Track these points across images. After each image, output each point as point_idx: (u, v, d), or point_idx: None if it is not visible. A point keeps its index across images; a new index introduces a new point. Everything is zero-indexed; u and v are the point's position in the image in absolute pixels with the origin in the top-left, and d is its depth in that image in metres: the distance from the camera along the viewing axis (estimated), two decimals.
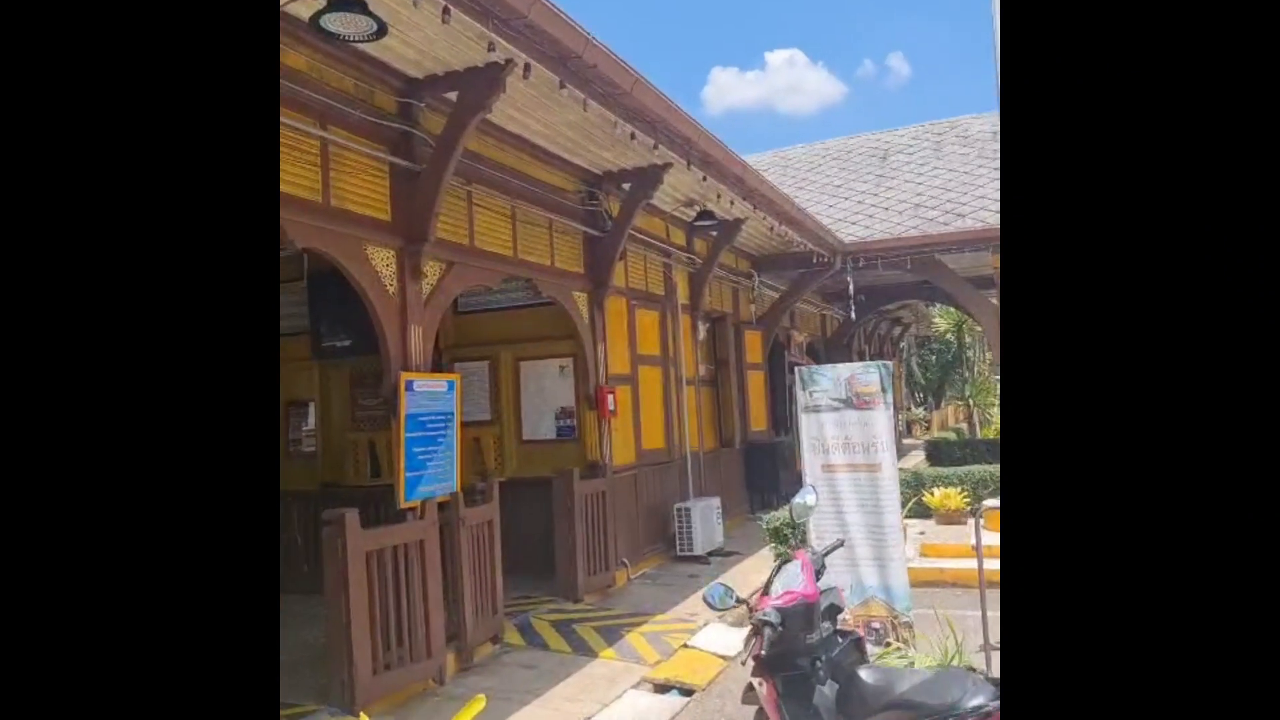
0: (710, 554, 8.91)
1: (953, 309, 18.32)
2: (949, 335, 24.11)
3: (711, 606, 3.16)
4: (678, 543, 8.85)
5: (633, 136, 5.83)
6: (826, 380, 4.93)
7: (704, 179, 7.07)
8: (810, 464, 4.95)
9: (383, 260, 5.33)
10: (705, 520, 8.95)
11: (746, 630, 3.15)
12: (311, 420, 9.25)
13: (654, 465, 8.97)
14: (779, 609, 3.01)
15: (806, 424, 4.99)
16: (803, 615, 3.06)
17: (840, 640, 3.19)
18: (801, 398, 5.03)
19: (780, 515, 7.02)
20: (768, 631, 2.95)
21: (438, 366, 8.30)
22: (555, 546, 7.23)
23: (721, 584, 3.20)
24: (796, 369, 5.16)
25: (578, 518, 7.18)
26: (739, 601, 3.19)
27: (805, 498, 3.61)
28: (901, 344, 24.27)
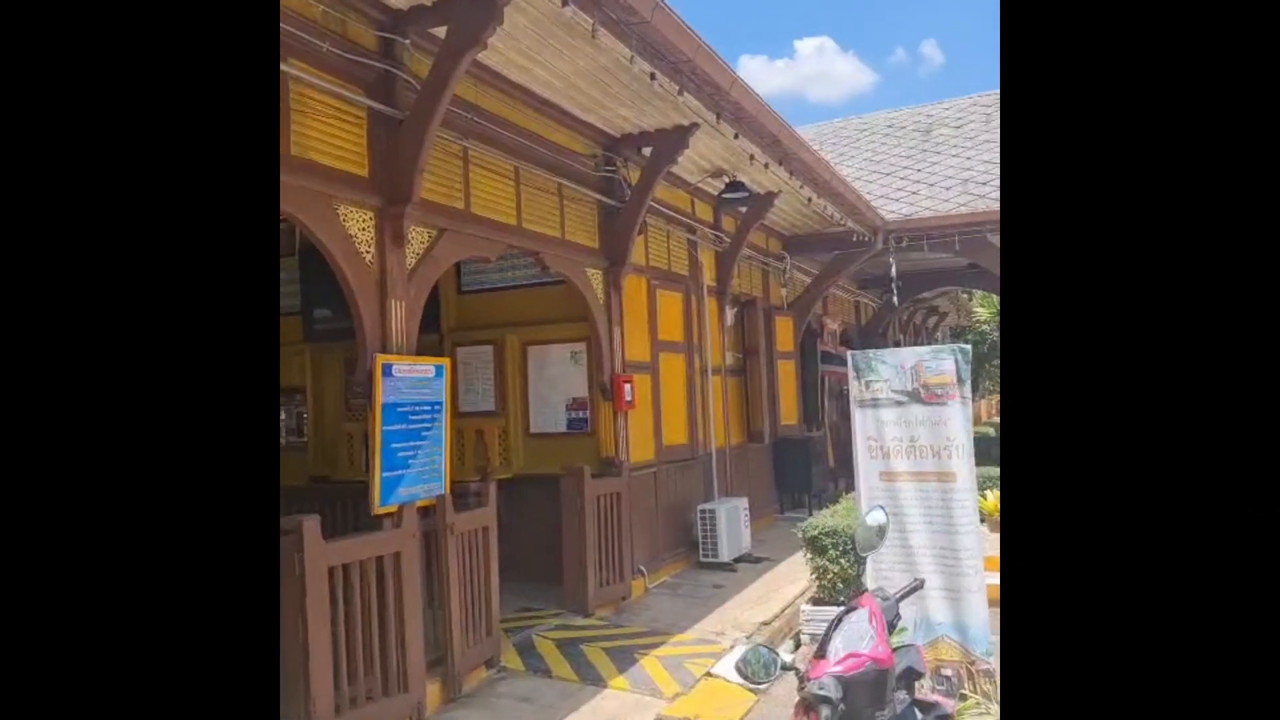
0: (737, 560, 8.08)
1: (995, 296, 17.28)
2: (986, 326, 23.05)
3: (749, 679, 2.32)
4: (701, 548, 8.03)
5: (652, 78, 4.97)
6: (887, 368, 4.04)
7: (735, 137, 6.20)
8: (865, 472, 4.09)
9: (358, 222, 4.54)
10: (731, 523, 8.12)
11: (794, 707, 2.31)
12: (304, 408, 8.53)
13: (675, 462, 8.14)
14: (840, 678, 2.18)
15: (861, 422, 4.12)
16: (871, 685, 2.23)
17: (920, 716, 2.36)
18: (854, 388, 4.16)
19: (819, 522, 6.17)
20: (825, 711, 2.12)
21: (439, 351, 7.53)
22: (563, 553, 6.44)
23: (764, 647, 2.36)
24: (850, 354, 4.28)
25: (589, 521, 6.38)
26: (786, 669, 2.35)
27: (874, 517, 2.74)
28: (937, 334, 23.24)
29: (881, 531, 2.78)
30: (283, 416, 8.50)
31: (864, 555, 2.80)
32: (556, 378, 7.41)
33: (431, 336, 7.69)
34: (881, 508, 2.77)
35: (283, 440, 8.53)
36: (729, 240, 9.47)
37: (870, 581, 2.74)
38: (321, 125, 4.35)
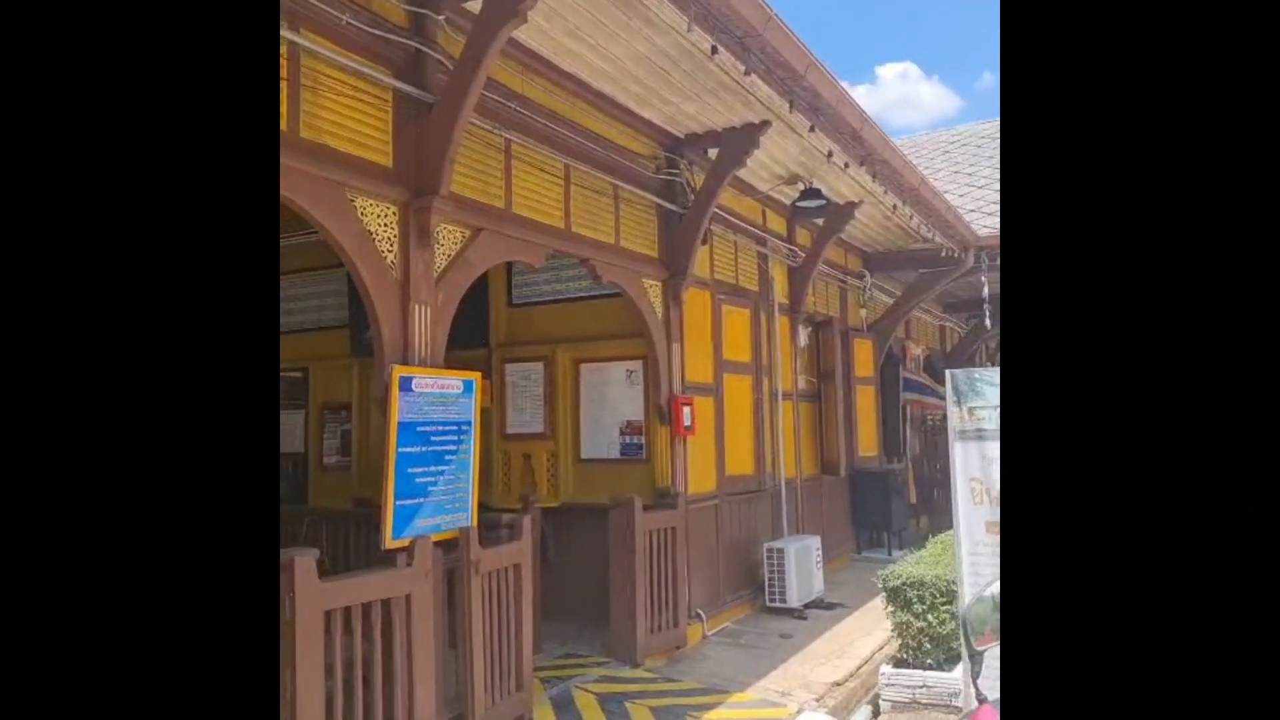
0: (808, 606, 7.28)
1: None
2: None
3: None
4: (767, 591, 7.26)
5: (713, 51, 4.35)
6: (995, 391, 3.27)
7: (811, 129, 5.51)
8: (968, 522, 3.32)
9: (378, 217, 4.03)
10: (802, 564, 7.33)
11: None
12: (350, 426, 8.13)
13: (740, 495, 7.41)
14: None
15: (963, 457, 3.35)
16: None
17: None
18: (954, 416, 3.40)
19: (902, 570, 5.36)
20: None
21: (487, 368, 7.01)
22: (611, 594, 5.78)
23: None
24: (949, 373, 3.53)
25: (639, 558, 5.71)
26: None
27: (995, 591, 1.96)
28: None
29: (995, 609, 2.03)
30: (326, 435, 8.12)
31: (979, 649, 1.98)
32: (610, 398, 6.80)
33: (479, 352, 7.21)
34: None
35: (328, 460, 8.15)
36: (803, 255, 8.74)
37: (989, 684, 1.93)
38: (339, 106, 3.87)
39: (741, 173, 6.98)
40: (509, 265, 7.25)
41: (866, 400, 10.38)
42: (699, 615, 6.47)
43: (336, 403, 8.04)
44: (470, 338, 7.23)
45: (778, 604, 7.20)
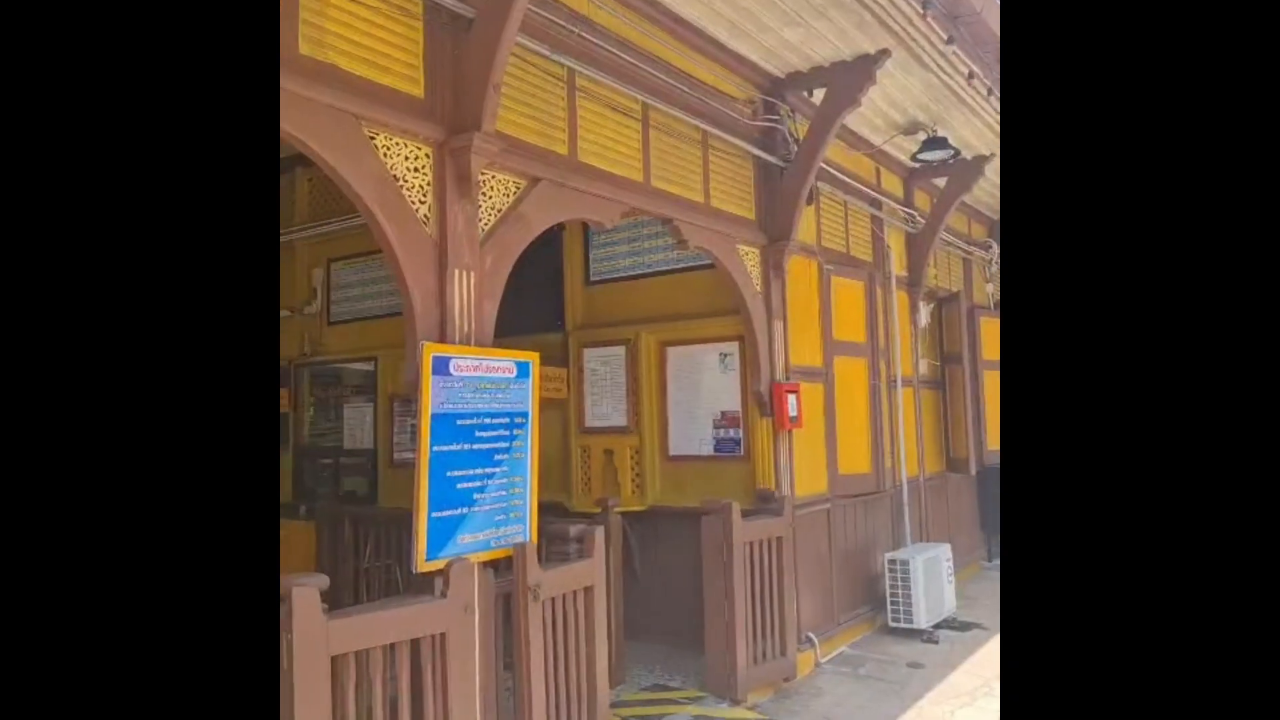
0: (938, 626, 6.21)
1: None
2: None
3: None
4: (889, 608, 6.22)
5: None
6: None
7: (947, 41, 4.44)
8: None
9: (405, 158, 3.24)
10: (931, 577, 6.25)
11: None
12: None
13: (855, 497, 6.37)
14: None
15: None
16: None
17: None
18: None
19: None
20: None
21: (563, 355, 6.22)
22: (705, 615, 4.89)
23: None
24: None
25: (738, 574, 4.80)
26: None
27: None
28: None
29: None
30: (396, 429, 7.51)
31: None
32: (702, 386, 5.89)
33: (555, 336, 6.42)
34: None
35: (399, 456, 7.55)
36: (923, 221, 7.60)
37: None
38: (350, 18, 3.09)
39: (853, 122, 5.96)
40: (584, 237, 6.43)
41: (996, 387, 9.11)
42: (810, 640, 5.49)
43: (409, 394, 7.41)
44: (544, 321, 6.46)
45: (902, 624, 6.15)
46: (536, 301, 6.52)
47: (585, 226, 6.40)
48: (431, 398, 3.11)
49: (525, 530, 3.52)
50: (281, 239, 8.17)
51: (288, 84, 2.81)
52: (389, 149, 3.19)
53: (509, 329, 3.69)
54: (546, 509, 4.40)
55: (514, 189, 3.71)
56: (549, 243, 6.51)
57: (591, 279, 6.44)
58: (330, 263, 7.94)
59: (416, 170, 3.28)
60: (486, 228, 3.55)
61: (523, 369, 3.55)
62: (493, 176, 3.60)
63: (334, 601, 6.19)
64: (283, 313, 8.15)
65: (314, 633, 2.61)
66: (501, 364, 3.44)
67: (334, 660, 2.67)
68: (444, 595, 2.96)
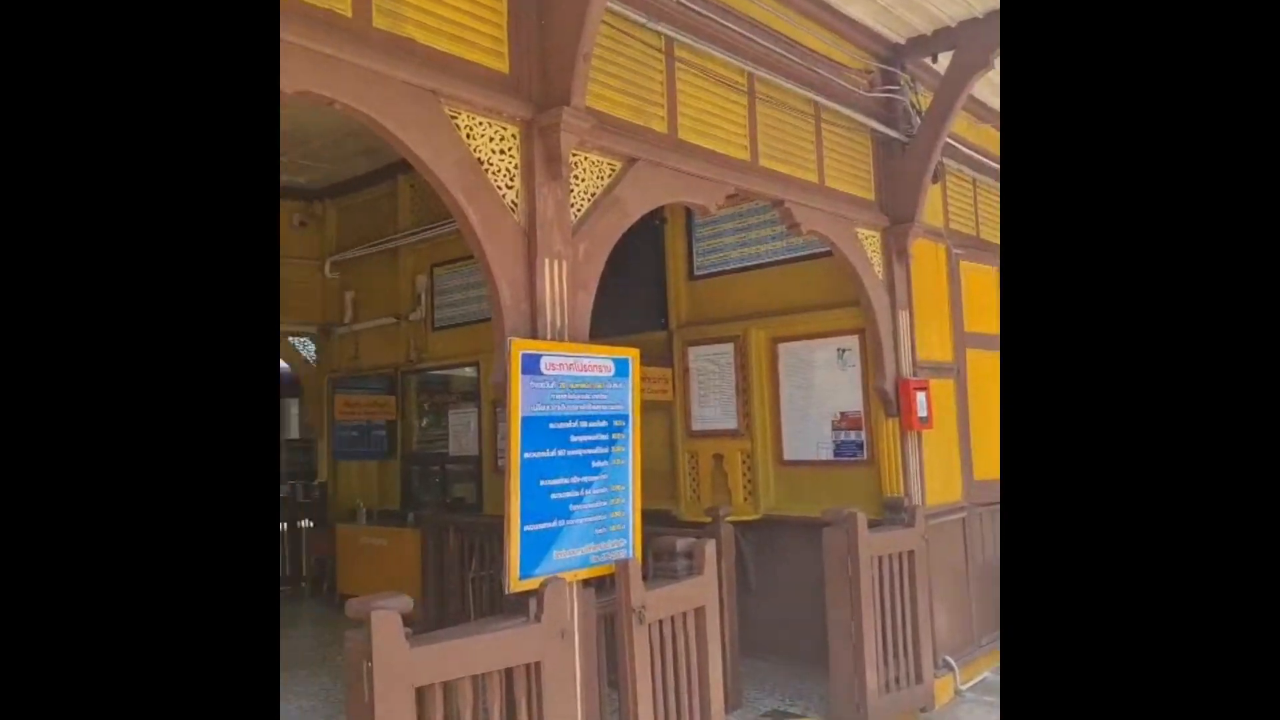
0: None
1: None
2: None
3: None
4: None
5: None
6: None
7: None
8: None
9: (490, 139, 2.98)
10: None
11: None
12: None
13: (993, 505, 5.75)
14: None
15: None
16: None
17: None
18: None
19: None
20: None
21: (667, 355, 5.89)
22: (829, 637, 4.43)
23: None
24: None
25: (865, 590, 4.33)
26: None
27: None
28: None
29: None
30: (500, 436, 7.35)
31: None
32: (818, 385, 5.43)
33: (658, 335, 6.09)
34: None
35: (503, 462, 7.40)
36: None
37: None
38: None
39: (980, 91, 5.37)
40: (687, 228, 6.08)
41: None
42: (948, 665, 4.94)
43: None
44: (645, 320, 6.14)
45: None
46: (636, 299, 6.21)
47: (688, 216, 6.05)
48: (521, 399, 2.82)
49: (628, 545, 3.19)
50: (385, 246, 8.19)
51: (361, 60, 2.59)
52: (472, 129, 2.93)
53: (606, 330, 3.38)
54: (651, 519, 4.06)
55: (608, 171, 3.40)
56: (649, 236, 6.20)
57: (695, 273, 6.08)
58: (434, 268, 7.89)
59: (502, 152, 3.01)
60: (579, 213, 3.25)
61: (621, 366, 3.22)
62: (585, 158, 3.30)
63: (439, 612, 6.10)
64: (388, 320, 8.16)
65: (396, 662, 2.35)
66: (597, 361, 3.13)
67: (419, 692, 2.40)
68: (538, 619, 2.66)
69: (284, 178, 8.27)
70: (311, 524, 8.47)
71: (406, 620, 2.43)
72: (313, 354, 8.87)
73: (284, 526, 8.40)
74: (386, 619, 2.36)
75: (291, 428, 13.75)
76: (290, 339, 8.67)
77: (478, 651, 2.55)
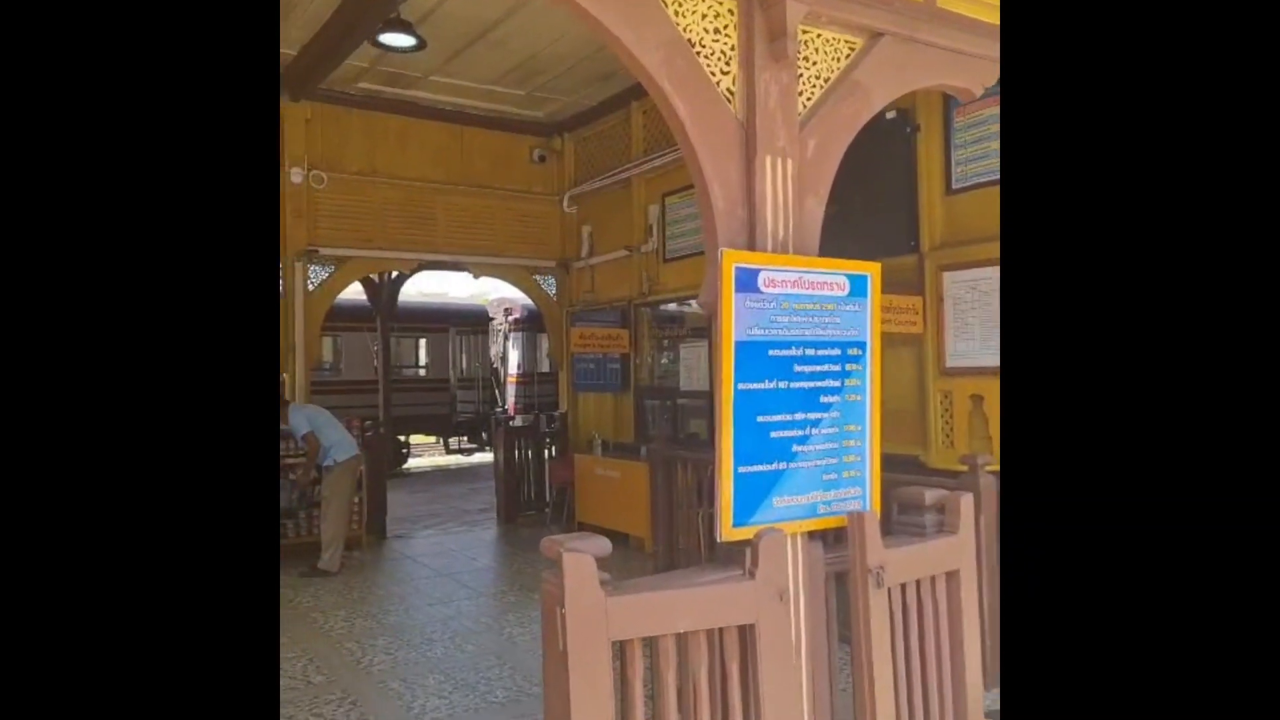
0: None
1: None
2: None
3: None
4: None
5: None
6: None
7: None
8: None
9: (702, 16, 2.54)
10: None
11: None
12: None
13: None
14: None
15: None
16: None
17: None
18: None
19: None
20: None
21: (917, 281, 5.21)
22: None
23: None
24: None
25: None
26: None
27: None
28: None
29: None
30: None
31: None
32: None
33: (907, 259, 5.40)
34: None
35: None
36: None
37: None
38: None
39: None
40: (945, 135, 5.25)
41: None
42: None
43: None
44: (891, 242, 5.43)
45: None
46: (880, 219, 5.52)
47: (946, 120, 5.22)
48: (735, 320, 2.42)
49: (864, 494, 2.71)
50: (617, 176, 8.05)
51: None
52: (680, 5, 2.50)
53: (841, 253, 2.87)
54: (893, 464, 3.53)
55: (845, 50, 2.83)
56: (897, 146, 5.45)
57: (954, 186, 5.26)
58: (665, 197, 7.64)
59: (716, 31, 2.56)
60: (809, 102, 2.74)
61: (857, 285, 2.70)
62: (816, 34, 2.76)
63: (668, 548, 5.97)
64: (620, 252, 8.07)
65: (592, 611, 2.09)
66: (829, 278, 2.63)
67: (619, 647, 2.13)
68: (751, 575, 2.28)
69: (522, 112, 8.38)
70: (554, 453, 8.74)
71: (603, 565, 2.16)
72: (553, 290, 9.05)
73: (529, 454, 8.75)
74: (580, 562, 2.10)
75: (542, 362, 14.49)
76: (535, 276, 8.90)
77: (682, 607, 2.22)
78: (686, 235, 7.39)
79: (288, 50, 6.65)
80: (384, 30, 5.65)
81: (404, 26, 5.64)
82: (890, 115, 5.40)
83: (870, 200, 5.55)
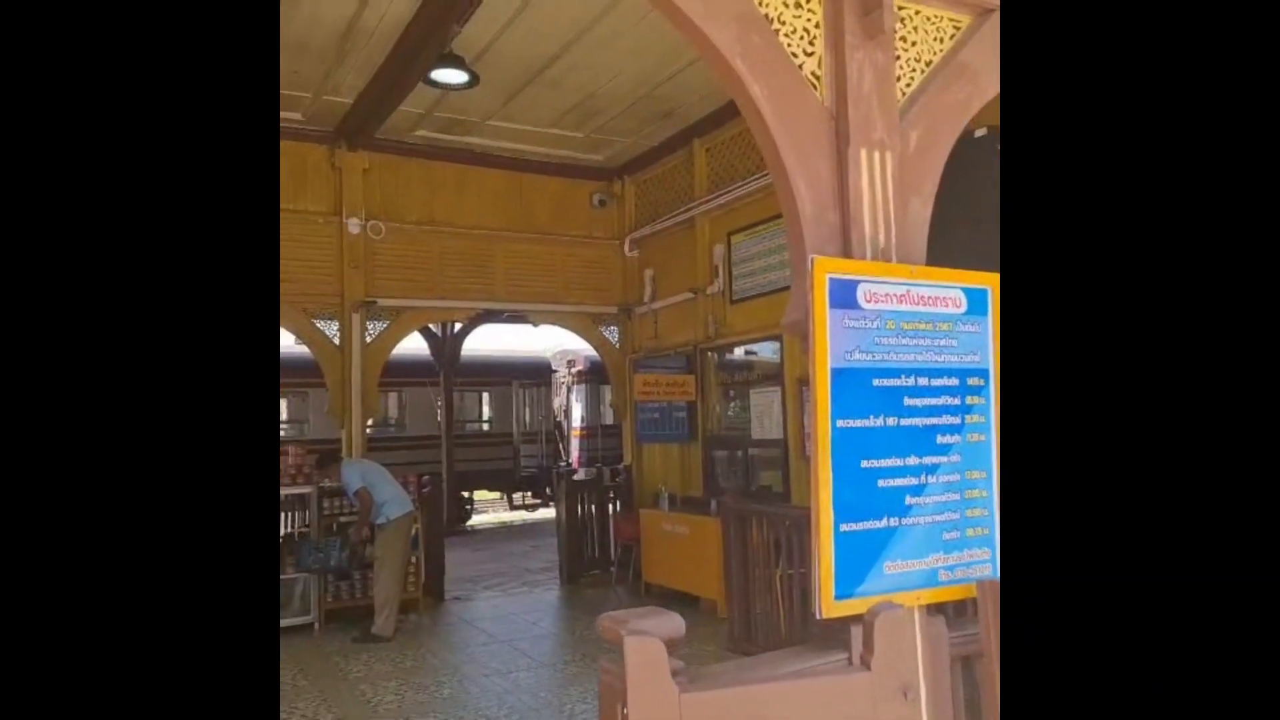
0: None
1: None
2: None
3: None
4: None
5: None
6: None
7: None
8: None
9: None
10: None
11: None
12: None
13: None
14: None
15: None
16: None
17: None
18: None
19: None
20: None
21: None
22: None
23: None
24: None
25: None
26: None
27: None
28: None
29: None
30: (805, 416, 6.50)
31: None
32: None
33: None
34: None
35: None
36: None
37: None
38: None
39: None
40: None
41: None
42: None
43: None
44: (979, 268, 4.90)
45: None
46: (995, 224, 5.00)
47: None
48: (830, 342, 1.97)
49: (994, 556, 2.19)
50: (680, 217, 7.72)
51: None
52: None
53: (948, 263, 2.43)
54: None
55: (950, 29, 2.41)
56: (982, 167, 4.96)
57: None
58: (730, 236, 7.25)
59: (798, 5, 2.18)
60: (909, 88, 2.32)
61: (976, 300, 2.23)
62: (915, 11, 2.35)
63: (744, 613, 5.41)
64: (685, 295, 7.68)
65: (661, 712, 1.64)
66: (942, 291, 2.17)
67: None
68: (865, 665, 1.79)
69: (581, 156, 8.16)
70: (619, 507, 8.28)
71: (672, 649, 1.71)
72: (616, 337, 8.70)
73: (593, 509, 8.31)
74: (646, 649, 1.66)
75: (606, 414, 14.11)
76: (599, 327, 8.57)
77: (776, 705, 1.74)
78: (755, 274, 6.98)
79: (343, 99, 6.56)
80: (437, 66, 5.46)
81: (456, 62, 5.45)
82: (980, 134, 4.93)
83: (984, 201, 5.06)
